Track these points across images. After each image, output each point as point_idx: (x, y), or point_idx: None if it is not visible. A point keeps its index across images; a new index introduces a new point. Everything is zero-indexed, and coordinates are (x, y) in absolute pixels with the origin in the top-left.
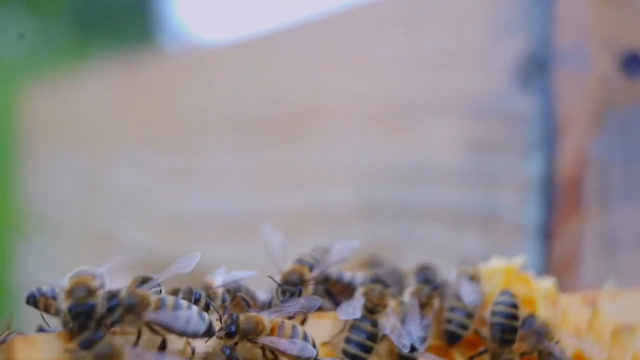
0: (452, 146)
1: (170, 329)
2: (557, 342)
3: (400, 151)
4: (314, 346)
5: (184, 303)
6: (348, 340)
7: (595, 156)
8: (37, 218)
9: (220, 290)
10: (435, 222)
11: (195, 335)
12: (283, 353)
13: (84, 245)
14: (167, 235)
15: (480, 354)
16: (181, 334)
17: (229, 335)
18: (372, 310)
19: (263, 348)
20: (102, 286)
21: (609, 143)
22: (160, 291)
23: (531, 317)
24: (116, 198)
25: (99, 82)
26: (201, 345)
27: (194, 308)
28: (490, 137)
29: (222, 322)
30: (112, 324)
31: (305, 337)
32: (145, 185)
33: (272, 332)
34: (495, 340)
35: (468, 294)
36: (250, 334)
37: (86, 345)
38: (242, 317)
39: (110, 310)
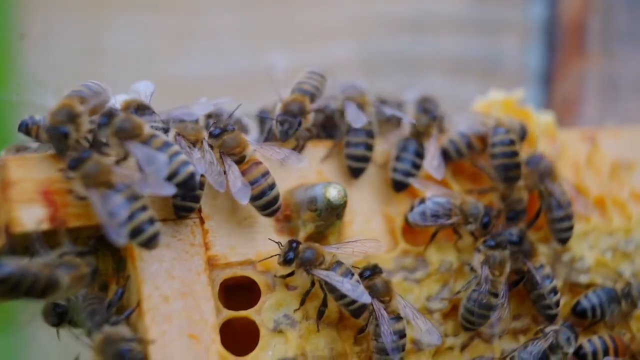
0: None
1: (142, 167)
2: (559, 184)
3: (399, 2)
4: (276, 198)
5: (171, 151)
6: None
7: None
8: (34, 82)
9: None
10: (436, 72)
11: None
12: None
13: None
14: (166, 98)
15: (483, 192)
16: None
17: (211, 135)
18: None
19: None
20: (95, 108)
21: None
22: (161, 130)
23: (536, 156)
24: (115, 62)
25: None
26: None
27: (180, 159)
28: None
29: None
30: (98, 144)
31: (271, 187)
32: (144, 48)
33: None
34: (503, 180)
35: None
36: (229, 149)
37: (75, 166)
38: (229, 134)
39: (99, 127)
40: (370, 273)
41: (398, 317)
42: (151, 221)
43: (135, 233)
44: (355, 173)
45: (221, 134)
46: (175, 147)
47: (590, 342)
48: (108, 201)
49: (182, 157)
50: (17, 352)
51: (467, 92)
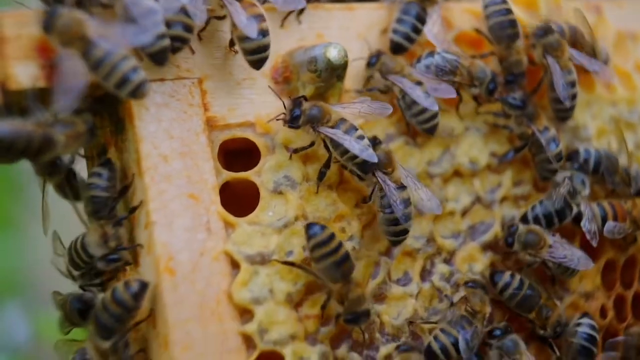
0: None
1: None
2: (565, 63)
3: None
4: (267, 46)
5: (156, 19)
6: None
7: None
8: None
9: None
10: None
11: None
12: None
13: None
14: None
15: (484, 56)
16: None
17: None
18: None
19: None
20: None
21: None
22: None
23: (543, 28)
24: None
25: None
26: None
27: (159, 31)
28: None
29: None
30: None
31: (264, 32)
32: None
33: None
34: (501, 40)
35: None
36: None
37: (47, 26)
38: None
39: None
40: (370, 144)
41: (402, 186)
42: (135, 69)
43: (120, 83)
44: (395, 48)
45: None
46: (158, 17)
47: (588, 209)
48: (89, 56)
49: (162, 29)
50: (16, 252)
51: None
